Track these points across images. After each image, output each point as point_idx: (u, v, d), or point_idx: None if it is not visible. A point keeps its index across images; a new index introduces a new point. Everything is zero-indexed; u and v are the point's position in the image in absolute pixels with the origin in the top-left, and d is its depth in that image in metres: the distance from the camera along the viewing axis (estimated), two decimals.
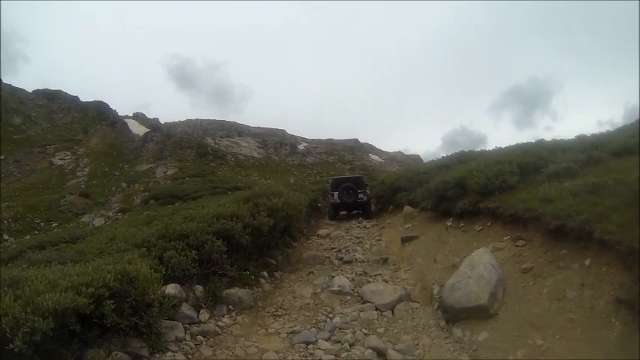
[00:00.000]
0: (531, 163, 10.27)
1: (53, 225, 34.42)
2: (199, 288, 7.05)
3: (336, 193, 16.55)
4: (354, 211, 17.15)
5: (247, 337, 6.04)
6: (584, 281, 5.02)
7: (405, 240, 10.95)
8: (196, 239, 7.37)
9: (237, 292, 7.17)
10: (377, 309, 6.80)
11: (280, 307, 7.38)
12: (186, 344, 5.41)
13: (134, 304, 4.85)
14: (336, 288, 7.80)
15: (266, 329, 6.35)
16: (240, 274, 7.90)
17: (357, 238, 12.41)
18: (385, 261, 9.80)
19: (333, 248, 11.35)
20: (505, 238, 7.78)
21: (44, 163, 49.50)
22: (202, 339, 5.67)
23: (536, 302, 5.39)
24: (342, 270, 9.42)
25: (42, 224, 34.95)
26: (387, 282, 8.43)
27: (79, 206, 39.45)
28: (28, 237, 30.48)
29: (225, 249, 7.35)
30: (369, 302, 6.98)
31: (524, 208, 7.58)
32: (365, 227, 14.49)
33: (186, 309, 6.19)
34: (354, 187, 16.56)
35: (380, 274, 8.75)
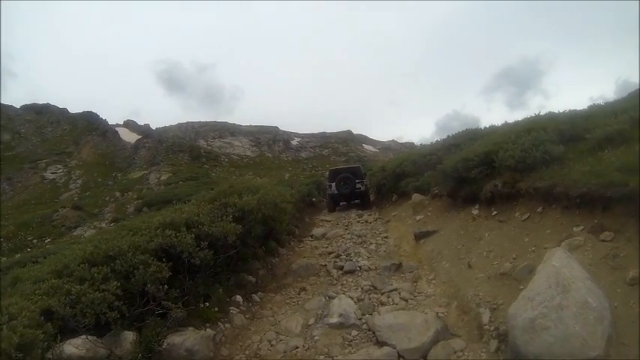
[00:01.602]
0: (566, 131, 7.68)
1: (46, 241, 31.87)
2: (129, 337, 4.43)
3: (333, 185, 15.43)
4: (353, 202, 15.91)
5: None
6: None
7: (420, 236, 8.28)
8: (125, 263, 4.73)
9: (187, 339, 4.50)
10: (400, 357, 4.16)
11: (255, 357, 4.75)
12: None
13: None
14: (335, 320, 5.10)
15: None
16: (197, 307, 5.27)
17: (359, 236, 9.75)
18: (399, 267, 7.15)
19: (330, 252, 8.66)
20: (577, 229, 5.13)
21: (36, 178, 46.78)
22: None
23: None
24: (342, 284, 6.76)
25: (35, 241, 32.40)
26: (406, 301, 5.79)
27: (72, 219, 36.75)
28: (18, 255, 28.03)
29: (167, 274, 4.71)
30: (387, 344, 4.30)
31: (602, 183, 4.96)
32: (367, 222, 11.85)
33: None
34: (352, 178, 15.39)
35: (395, 290, 6.07)
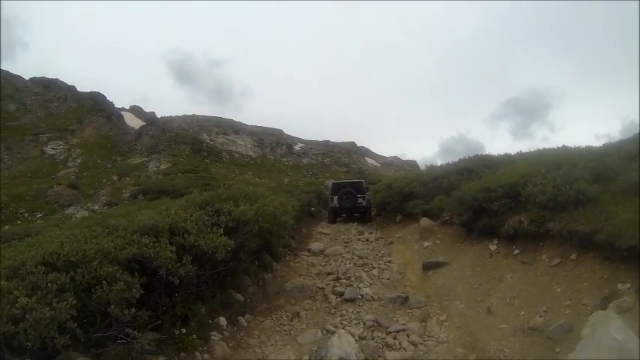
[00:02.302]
0: (595, 169, 6.89)
1: (37, 216, 30.84)
2: None
3: (335, 198, 15.30)
4: (354, 215, 15.61)
5: None
6: None
7: (429, 266, 7.41)
8: (88, 274, 3.84)
9: None
10: None
11: None
12: None
13: None
14: None
15: None
16: (172, 332, 4.38)
17: (360, 257, 8.85)
18: (405, 301, 6.26)
19: (329, 273, 7.76)
20: (623, 286, 4.30)
21: (35, 151, 45.70)
22: None
23: None
24: (342, 315, 5.85)
25: (26, 214, 31.40)
26: (415, 346, 4.90)
27: (66, 197, 35.66)
28: (7, 227, 27.03)
29: (137, 293, 3.82)
30: None
31: None
32: (368, 241, 10.96)
33: None
34: (354, 192, 15.28)
35: (403, 330, 5.18)
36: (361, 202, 15.16)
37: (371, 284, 7.10)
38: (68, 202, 34.57)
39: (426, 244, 8.70)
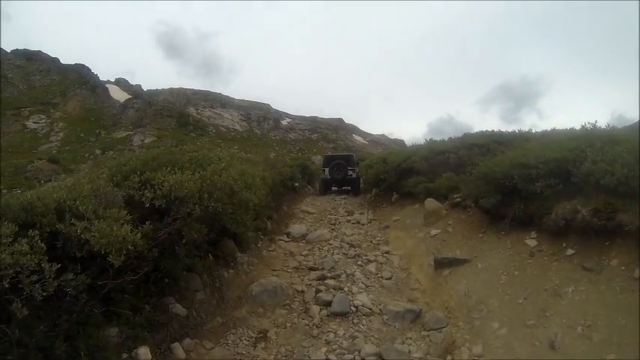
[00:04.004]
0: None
1: (17, 192, 28.26)
2: None
3: (327, 170, 15.22)
4: (344, 188, 15.45)
5: None
6: None
7: (443, 264, 5.40)
8: None
9: None
10: None
11: None
12: None
13: None
14: None
15: None
16: None
17: (352, 245, 6.82)
18: (417, 317, 4.28)
19: (312, 268, 5.68)
20: None
21: (17, 126, 42.63)
22: None
23: None
24: (328, 341, 3.80)
25: (4, 191, 28.87)
26: None
27: (47, 172, 32.92)
28: None
29: None
30: None
31: None
32: (359, 223, 8.91)
33: None
34: (344, 165, 15.15)
35: None
36: (351, 175, 14.98)
37: (367, 287, 5.07)
38: (48, 178, 32.02)
39: (433, 231, 6.68)
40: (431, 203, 7.34)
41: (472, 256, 5.38)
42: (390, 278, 5.41)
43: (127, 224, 2.74)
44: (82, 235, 2.60)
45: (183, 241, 3.52)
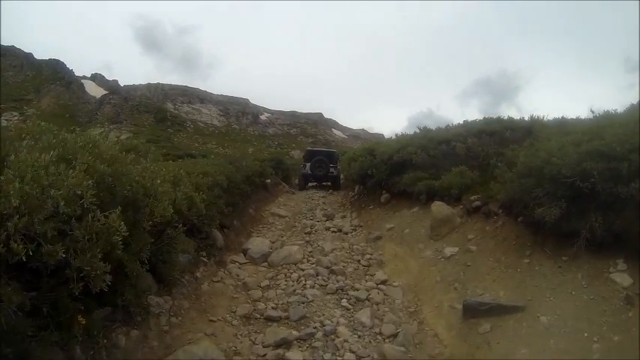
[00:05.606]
0: None
1: None
2: None
3: (308, 165, 14.46)
4: (324, 183, 14.67)
5: None
6: None
7: (477, 311, 3.26)
8: None
9: None
10: None
11: None
12: None
13: None
14: None
15: None
16: None
17: (332, 271, 4.53)
18: None
19: (269, 318, 3.49)
20: None
21: None
22: None
23: None
24: None
25: None
26: None
27: None
28: None
29: None
30: None
31: None
32: (342, 232, 6.68)
33: None
34: (326, 161, 14.30)
35: None
36: (332, 172, 14.10)
37: (360, 359, 2.92)
38: None
39: (448, 249, 4.55)
40: (440, 208, 5.19)
41: (524, 298, 3.26)
42: (395, 336, 3.24)
43: None
44: None
45: None
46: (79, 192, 1.76)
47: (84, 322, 2.54)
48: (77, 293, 1.86)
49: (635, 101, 5.21)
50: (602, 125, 4.08)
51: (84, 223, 1.83)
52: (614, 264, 3.14)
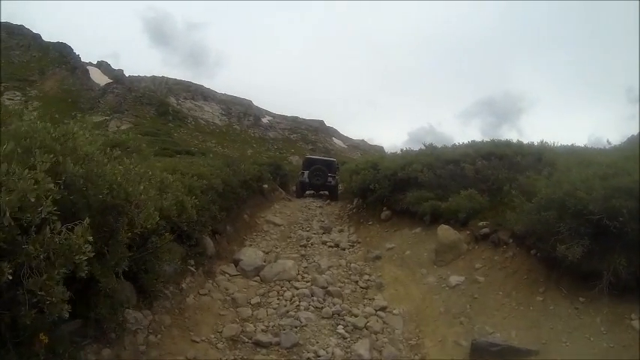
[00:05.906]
0: None
1: None
2: None
3: (306, 173, 14.08)
4: (321, 192, 14.31)
5: None
6: None
7: (488, 354, 3.04)
8: None
9: None
10: None
11: None
12: None
13: None
14: None
15: None
16: None
17: (327, 291, 4.24)
18: None
19: (257, 343, 3.18)
20: None
21: None
22: None
23: None
24: None
25: None
26: None
27: None
28: None
29: None
30: None
31: None
32: (339, 248, 6.33)
33: None
34: (325, 171, 13.84)
35: None
36: (330, 182, 13.71)
37: None
38: None
39: (453, 278, 4.25)
40: (447, 233, 4.90)
41: (538, 341, 2.97)
42: None
43: None
44: None
45: None
46: (32, 199, 1.45)
47: (46, 341, 2.23)
48: (29, 322, 1.54)
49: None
50: (626, 157, 3.84)
51: (40, 237, 1.52)
52: (637, 310, 2.86)
